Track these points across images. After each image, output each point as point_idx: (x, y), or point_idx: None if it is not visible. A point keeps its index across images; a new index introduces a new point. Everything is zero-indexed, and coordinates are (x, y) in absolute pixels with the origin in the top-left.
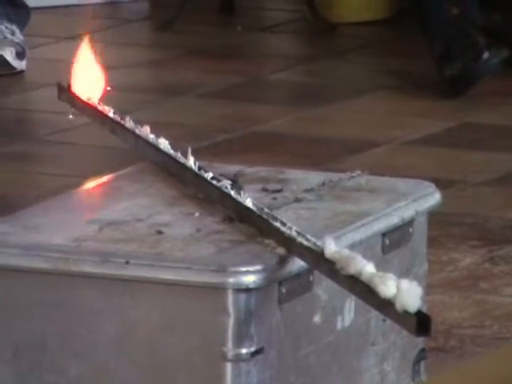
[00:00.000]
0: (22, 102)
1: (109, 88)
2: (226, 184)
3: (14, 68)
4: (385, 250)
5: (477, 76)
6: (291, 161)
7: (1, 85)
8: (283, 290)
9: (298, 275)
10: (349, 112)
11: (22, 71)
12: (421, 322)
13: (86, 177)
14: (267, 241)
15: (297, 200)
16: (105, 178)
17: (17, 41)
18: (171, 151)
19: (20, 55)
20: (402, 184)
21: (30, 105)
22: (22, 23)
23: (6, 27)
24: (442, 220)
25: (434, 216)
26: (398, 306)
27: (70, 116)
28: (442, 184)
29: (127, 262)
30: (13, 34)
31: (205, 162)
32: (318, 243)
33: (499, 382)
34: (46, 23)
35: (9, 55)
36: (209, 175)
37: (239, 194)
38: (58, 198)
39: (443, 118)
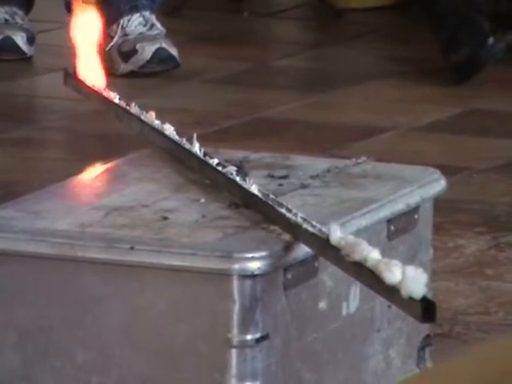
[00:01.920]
0: (27, 88)
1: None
2: (231, 170)
3: (25, 53)
4: (390, 236)
5: (483, 62)
6: (297, 147)
7: (7, 70)
8: (288, 276)
9: (303, 261)
10: (355, 98)
11: (30, 57)
12: (426, 309)
13: (91, 162)
14: (273, 227)
15: (302, 186)
16: (110, 164)
17: (26, 26)
18: (177, 137)
19: (30, 40)
20: (407, 170)
21: (36, 90)
22: (28, 9)
23: (16, 13)
24: (448, 206)
25: (439, 202)
26: (404, 293)
27: None
28: (447, 170)
29: (132, 248)
30: (23, 19)
31: (210, 148)
32: (324, 229)
33: (505, 368)
34: (52, 8)
35: (20, 40)
36: (214, 161)
37: (245, 180)
38: (63, 184)
39: (449, 104)
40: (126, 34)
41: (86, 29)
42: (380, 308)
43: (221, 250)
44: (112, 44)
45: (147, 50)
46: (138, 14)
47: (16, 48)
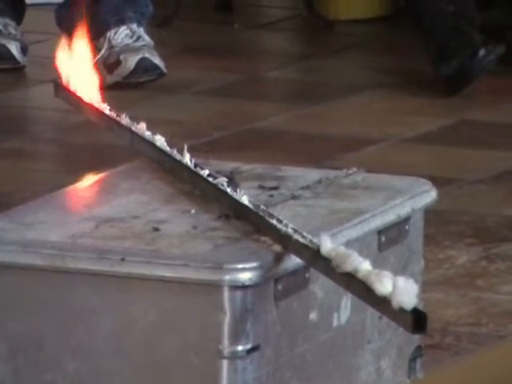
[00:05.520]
0: (19, 99)
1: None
2: (222, 181)
3: (19, 62)
4: (381, 247)
5: (473, 73)
6: (288, 158)
7: None
8: (279, 287)
9: (294, 272)
10: (345, 109)
11: (23, 67)
12: (417, 320)
13: (82, 174)
14: (263, 238)
15: (293, 197)
16: (101, 175)
17: (19, 37)
18: (167, 148)
19: (23, 50)
20: (398, 181)
21: (28, 101)
22: (19, 20)
23: (8, 23)
24: (439, 218)
25: (430, 213)
26: (394, 304)
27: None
28: (438, 182)
29: (123, 259)
30: (15, 29)
31: (201, 159)
32: (314, 240)
33: (495, 379)
34: (43, 20)
35: (14, 49)
36: (205, 172)
37: (235, 191)
38: (55, 195)
39: (440, 115)
40: (112, 47)
41: (76, 42)
42: (371, 319)
43: (211, 261)
44: (99, 57)
45: (130, 61)
46: (124, 27)
47: (10, 56)
